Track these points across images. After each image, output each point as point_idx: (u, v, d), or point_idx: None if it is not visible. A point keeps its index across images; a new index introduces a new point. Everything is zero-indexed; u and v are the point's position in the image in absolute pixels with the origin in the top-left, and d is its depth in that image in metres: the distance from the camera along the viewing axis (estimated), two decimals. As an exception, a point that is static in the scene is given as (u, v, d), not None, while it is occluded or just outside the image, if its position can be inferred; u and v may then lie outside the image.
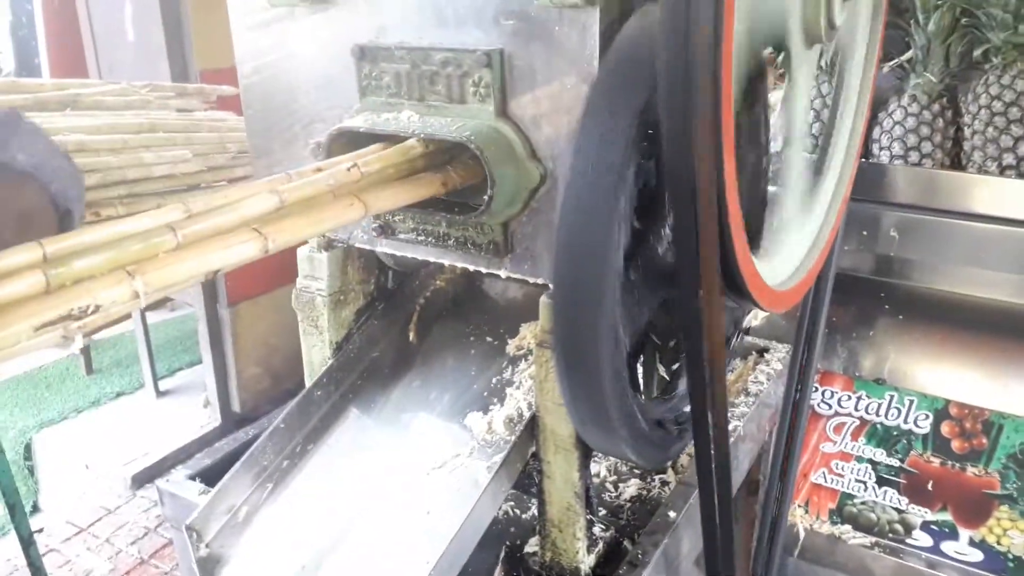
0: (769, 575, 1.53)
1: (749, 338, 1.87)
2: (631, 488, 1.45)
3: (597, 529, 1.29)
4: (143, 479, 3.13)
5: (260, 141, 1.33)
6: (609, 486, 1.47)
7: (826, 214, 1.42)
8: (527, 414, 1.22)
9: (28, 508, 3.07)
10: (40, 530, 2.97)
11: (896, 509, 1.86)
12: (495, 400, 1.27)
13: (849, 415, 1.87)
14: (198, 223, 0.80)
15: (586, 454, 1.17)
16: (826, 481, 1.93)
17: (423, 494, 1.17)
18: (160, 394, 3.66)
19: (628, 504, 1.42)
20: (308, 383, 1.36)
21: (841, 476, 1.91)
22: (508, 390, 1.29)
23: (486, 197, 1.08)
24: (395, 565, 1.07)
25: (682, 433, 1.19)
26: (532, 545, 1.32)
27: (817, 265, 1.39)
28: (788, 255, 1.28)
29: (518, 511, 1.43)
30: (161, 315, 4.24)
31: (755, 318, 1.96)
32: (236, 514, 1.22)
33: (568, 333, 0.94)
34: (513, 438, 1.19)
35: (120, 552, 2.82)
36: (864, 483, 1.89)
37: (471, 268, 1.22)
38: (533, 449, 1.19)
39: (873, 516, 1.90)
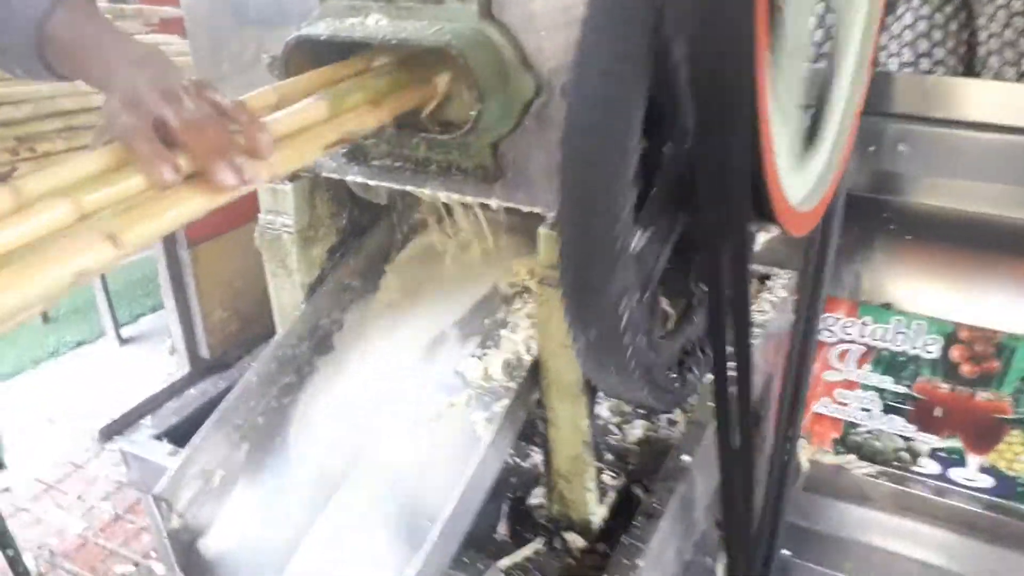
0: (780, 511, 1.45)
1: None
2: (637, 430, 1.35)
3: (607, 477, 1.19)
4: (111, 432, 2.96)
5: (208, 65, 1.16)
6: (613, 428, 1.37)
7: (839, 129, 1.30)
8: (527, 358, 1.10)
9: (-8, 465, 2.95)
10: (7, 489, 2.85)
11: (903, 437, 1.79)
12: (490, 344, 1.15)
13: (854, 342, 1.79)
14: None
15: (594, 399, 1.06)
16: (829, 411, 1.85)
17: (418, 450, 1.06)
18: (123, 342, 3.50)
19: (635, 447, 1.32)
20: (279, 331, 1.22)
21: (845, 405, 1.84)
22: (503, 332, 1.16)
23: (472, 113, 0.93)
24: (393, 535, 0.96)
25: (698, 372, 1.08)
26: (537, 497, 1.22)
27: (833, 184, 1.27)
28: (806, 173, 1.16)
29: (518, 459, 1.32)
30: (119, 259, 4.04)
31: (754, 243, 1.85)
32: (210, 479, 1.09)
33: (580, 264, 0.81)
34: (514, 385, 1.07)
35: (92, 508, 2.70)
36: (869, 411, 1.82)
37: (455, 198, 1.08)
38: (537, 396, 1.08)
39: (879, 444, 1.83)
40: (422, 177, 1.07)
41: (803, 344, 1.46)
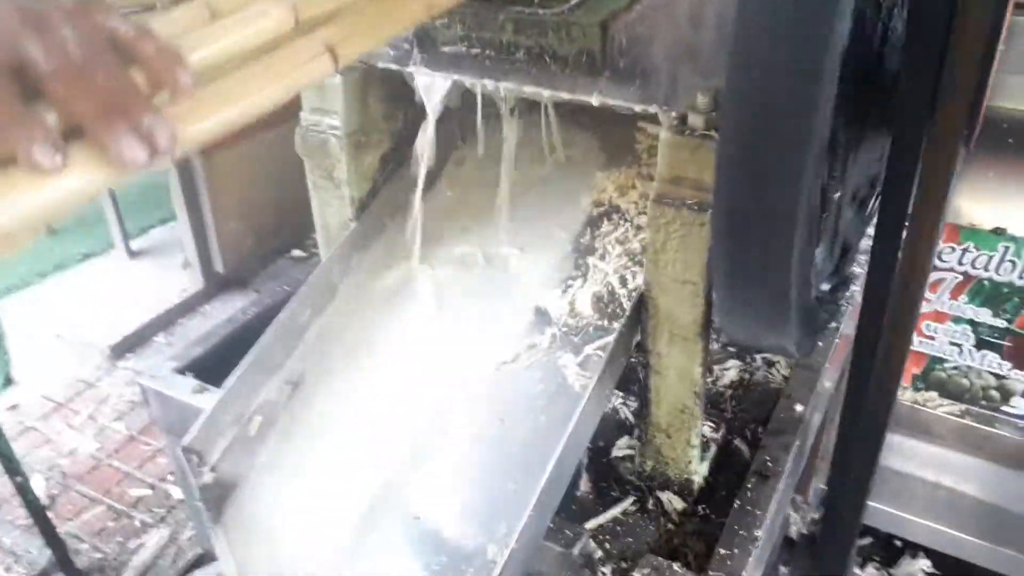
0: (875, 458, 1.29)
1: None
2: (731, 372, 1.18)
3: (707, 430, 1.02)
4: (122, 349, 2.85)
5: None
6: (701, 369, 1.20)
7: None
8: (619, 291, 0.92)
9: (0, 380, 2.83)
10: (14, 406, 2.73)
11: (995, 374, 1.64)
12: (576, 274, 0.97)
13: (951, 270, 1.61)
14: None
15: (709, 344, 0.88)
16: (913, 344, 1.69)
17: (494, 397, 0.89)
18: (132, 255, 3.32)
19: (729, 391, 1.16)
20: (324, 254, 1.04)
21: (932, 339, 1.67)
22: (590, 260, 0.98)
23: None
24: (469, 508, 0.80)
25: (835, 316, 0.91)
26: (621, 448, 1.06)
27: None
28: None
29: (593, 403, 1.16)
30: (124, 167, 3.82)
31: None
32: (247, 426, 0.93)
33: (749, 182, 0.62)
34: (605, 323, 0.90)
35: (105, 429, 2.58)
36: (960, 346, 1.65)
37: (546, 94, 0.88)
38: (638, 338, 0.90)
39: (966, 382, 1.68)
40: (504, 68, 0.86)
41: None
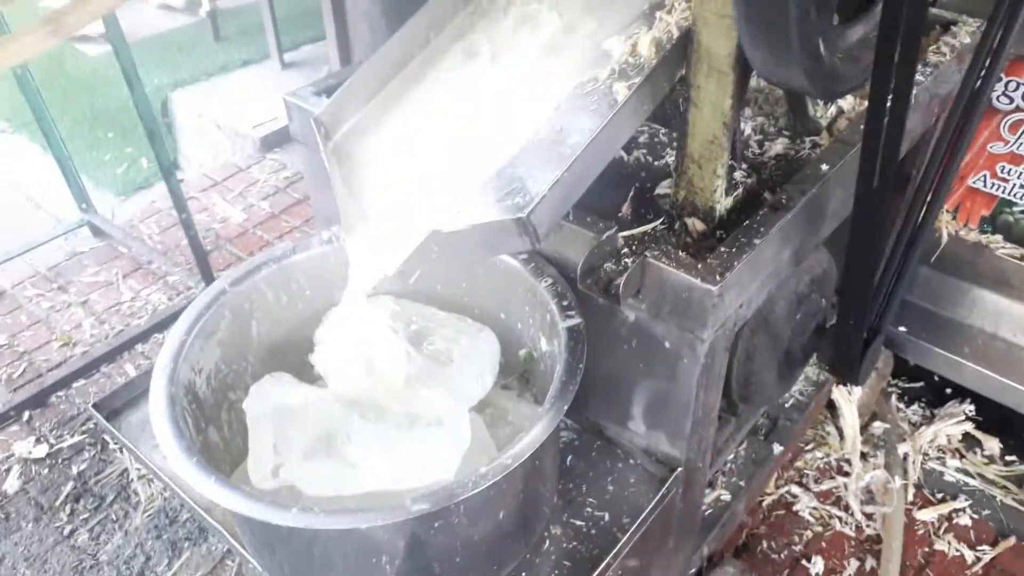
0: (901, 280, 1.42)
1: (934, 10, 1.61)
2: (778, 146, 1.33)
3: (738, 175, 1.20)
4: (271, 143, 3.22)
5: None
6: (753, 144, 1.36)
7: None
8: (676, 36, 1.08)
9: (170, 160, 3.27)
10: (181, 180, 3.17)
11: (1063, 222, 1.69)
12: (644, 24, 1.13)
13: (1035, 112, 1.64)
14: None
15: (742, 81, 1.04)
16: (986, 185, 1.75)
17: (556, 107, 1.09)
18: (285, 66, 3.66)
19: (772, 161, 1.31)
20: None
21: (1005, 181, 1.72)
22: (658, 13, 1.14)
23: None
24: (537, 160, 1.02)
25: (861, 71, 1.04)
26: (664, 187, 1.25)
27: None
28: None
29: (650, 158, 1.35)
30: (284, -12, 4.14)
31: (947, -13, 1.67)
32: (361, 117, 1.18)
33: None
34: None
35: (252, 206, 2.99)
36: (1032, 191, 1.70)
37: None
38: (682, 72, 1.07)
39: (1032, 228, 1.73)
40: None
41: (970, 101, 1.34)
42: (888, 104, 1.00)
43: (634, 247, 1.11)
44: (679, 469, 1.23)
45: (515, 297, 1.22)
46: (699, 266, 1.02)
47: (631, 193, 1.25)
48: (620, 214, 1.22)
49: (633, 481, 1.26)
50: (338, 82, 1.43)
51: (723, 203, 1.15)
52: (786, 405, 1.82)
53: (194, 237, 2.29)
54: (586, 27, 1.19)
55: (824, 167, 1.18)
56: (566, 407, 0.98)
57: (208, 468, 0.93)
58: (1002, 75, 1.70)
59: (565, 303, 1.11)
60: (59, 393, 2.28)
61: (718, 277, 1.00)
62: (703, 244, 1.14)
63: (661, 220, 1.17)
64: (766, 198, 1.19)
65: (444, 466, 1.03)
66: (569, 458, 1.30)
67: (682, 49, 1.05)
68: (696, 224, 1.15)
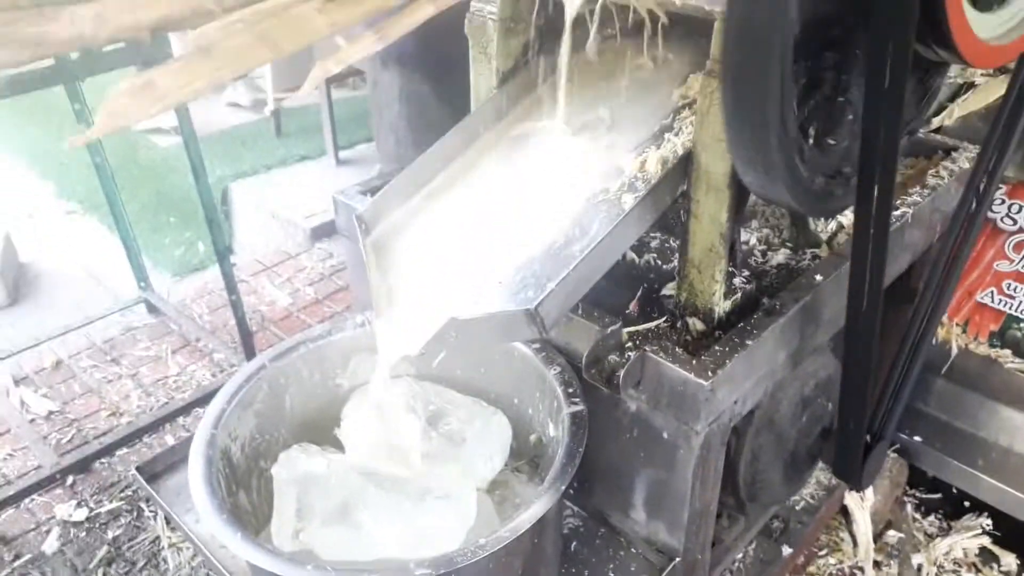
0: (904, 388, 1.48)
1: (937, 136, 1.72)
2: (780, 256, 1.43)
3: (738, 281, 1.30)
4: (321, 233, 3.43)
5: None
6: (757, 254, 1.46)
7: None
8: (680, 155, 1.21)
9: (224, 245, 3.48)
10: (233, 264, 3.36)
11: (1069, 339, 1.73)
12: (654, 144, 1.27)
13: (1037, 233, 1.72)
14: None
15: (739, 198, 1.16)
16: (993, 301, 1.81)
17: (571, 214, 1.21)
18: (339, 162, 3.92)
19: (773, 270, 1.41)
20: (473, 107, 1.40)
21: (1012, 298, 1.79)
22: (667, 135, 1.27)
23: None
24: (532, 268, 1.13)
25: (845, 192, 1.15)
26: (669, 289, 1.36)
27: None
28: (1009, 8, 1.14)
29: (660, 262, 1.45)
30: (343, 92, 4.45)
31: (948, 116, 1.79)
32: (399, 215, 1.32)
33: (741, 58, 0.91)
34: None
35: (298, 290, 3.16)
36: (1038, 308, 1.76)
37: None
38: (684, 188, 1.19)
39: (1040, 343, 1.78)
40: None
41: (967, 219, 1.43)
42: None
43: (637, 342, 1.20)
44: (677, 559, 1.29)
45: (527, 384, 1.32)
46: (694, 362, 1.11)
47: (639, 292, 1.35)
48: (628, 311, 1.32)
49: (634, 569, 1.32)
50: (382, 183, 1.59)
51: (722, 306, 1.25)
52: (797, 507, 1.85)
53: (241, 318, 2.44)
54: (603, 144, 1.33)
55: (818, 277, 1.27)
56: (564, 487, 1.06)
57: (236, 524, 1.03)
58: (1005, 198, 1.79)
59: (571, 390, 1.20)
60: (103, 460, 2.40)
61: (710, 373, 1.09)
62: (702, 343, 1.23)
63: (664, 318, 1.27)
64: (764, 303, 1.29)
65: (449, 538, 1.11)
66: (573, 544, 1.36)
67: (684, 166, 1.18)
68: (696, 324, 1.25)
